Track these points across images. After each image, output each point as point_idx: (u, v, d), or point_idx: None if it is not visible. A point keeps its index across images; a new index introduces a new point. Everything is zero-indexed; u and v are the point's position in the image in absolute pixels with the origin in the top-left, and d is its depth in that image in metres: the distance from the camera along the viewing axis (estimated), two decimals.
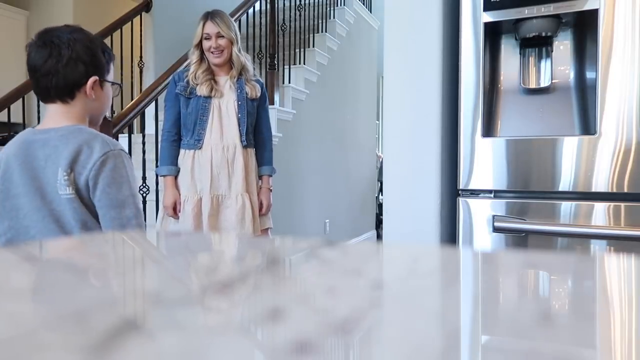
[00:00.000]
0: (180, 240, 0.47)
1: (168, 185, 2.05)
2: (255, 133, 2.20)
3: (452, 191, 1.16)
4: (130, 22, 3.64)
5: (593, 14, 1.00)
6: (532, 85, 1.14)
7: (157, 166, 2.29)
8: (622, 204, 0.97)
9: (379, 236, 5.46)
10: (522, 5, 1.04)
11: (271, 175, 2.24)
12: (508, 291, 0.29)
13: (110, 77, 1.19)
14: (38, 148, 1.09)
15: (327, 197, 4.42)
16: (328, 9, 4.47)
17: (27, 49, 1.11)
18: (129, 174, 1.12)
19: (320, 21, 4.32)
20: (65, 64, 1.09)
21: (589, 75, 1.06)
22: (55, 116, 1.13)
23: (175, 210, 2.05)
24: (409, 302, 0.25)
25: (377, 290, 0.27)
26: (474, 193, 1.10)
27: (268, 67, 3.50)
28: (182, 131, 2.07)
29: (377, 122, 6.44)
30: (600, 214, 0.99)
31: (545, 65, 1.13)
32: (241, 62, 2.14)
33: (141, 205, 1.16)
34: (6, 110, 2.72)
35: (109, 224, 1.09)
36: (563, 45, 1.12)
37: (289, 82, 3.74)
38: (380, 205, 5.64)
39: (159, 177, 2.36)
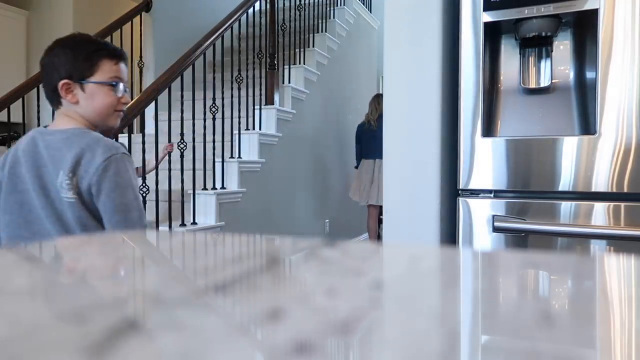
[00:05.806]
0: (180, 240, 0.47)
1: None
2: None
3: (452, 191, 1.16)
4: (130, 22, 3.63)
5: (593, 14, 0.99)
6: (532, 85, 1.14)
7: None
8: (622, 204, 0.97)
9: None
10: (522, 5, 1.04)
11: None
12: (508, 291, 0.29)
13: (104, 77, 1.14)
14: (43, 148, 1.12)
15: (327, 197, 4.42)
16: (328, 9, 4.47)
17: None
18: (132, 177, 1.13)
19: (320, 21, 4.32)
20: (42, 71, 1.15)
21: (589, 75, 1.06)
22: (60, 118, 1.17)
23: None
24: (409, 302, 0.25)
25: (377, 290, 0.27)
26: (474, 193, 1.10)
27: (268, 67, 3.50)
28: None
29: None
30: (600, 214, 0.99)
31: (545, 65, 1.13)
32: None
33: (142, 207, 1.17)
34: (6, 110, 2.72)
35: (115, 228, 1.09)
36: (563, 45, 1.12)
37: (289, 82, 3.74)
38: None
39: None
